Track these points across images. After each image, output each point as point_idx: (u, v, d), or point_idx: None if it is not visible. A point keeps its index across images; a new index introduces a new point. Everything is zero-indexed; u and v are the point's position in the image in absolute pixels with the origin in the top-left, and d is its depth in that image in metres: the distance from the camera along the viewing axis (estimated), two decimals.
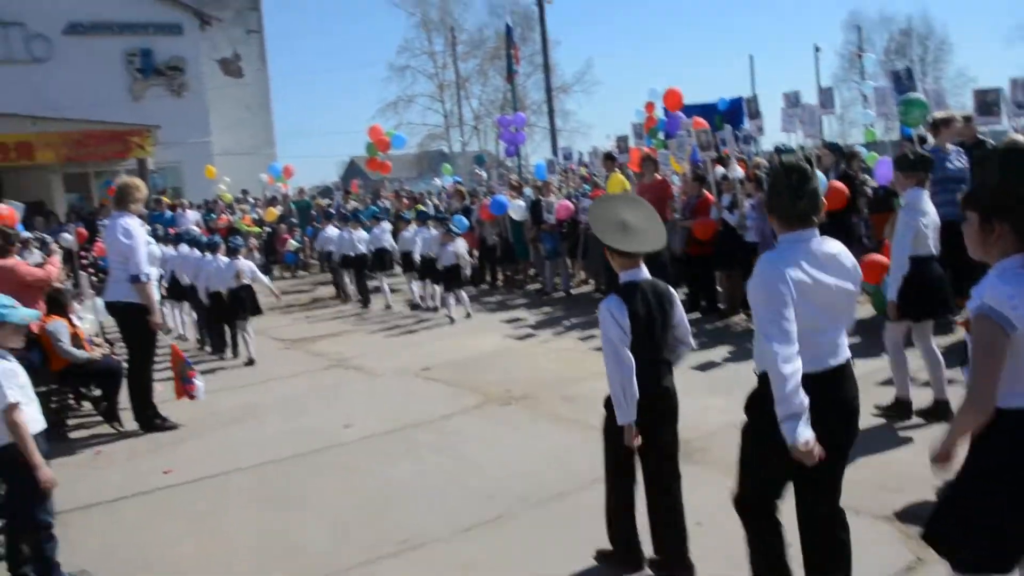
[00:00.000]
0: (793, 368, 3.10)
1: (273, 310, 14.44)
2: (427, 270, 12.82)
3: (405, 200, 18.74)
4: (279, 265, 20.30)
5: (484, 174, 20.78)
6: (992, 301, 2.68)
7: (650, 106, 15.33)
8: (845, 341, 3.41)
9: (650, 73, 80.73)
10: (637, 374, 3.92)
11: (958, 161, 8.21)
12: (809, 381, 3.14)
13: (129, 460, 6.81)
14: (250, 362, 10.23)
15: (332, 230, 15.03)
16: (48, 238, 13.61)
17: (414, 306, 13.59)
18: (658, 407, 4.05)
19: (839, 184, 9.49)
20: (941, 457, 2.85)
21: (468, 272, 13.53)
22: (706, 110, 16.18)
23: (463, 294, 12.28)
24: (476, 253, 15.37)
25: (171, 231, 13.59)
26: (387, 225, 14.71)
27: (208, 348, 11.28)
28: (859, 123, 18.52)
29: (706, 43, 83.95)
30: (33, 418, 4.42)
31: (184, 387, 7.60)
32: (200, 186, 24.98)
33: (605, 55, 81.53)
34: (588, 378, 7.45)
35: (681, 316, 4.20)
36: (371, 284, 14.49)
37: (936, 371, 6.10)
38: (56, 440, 6.79)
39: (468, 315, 12.18)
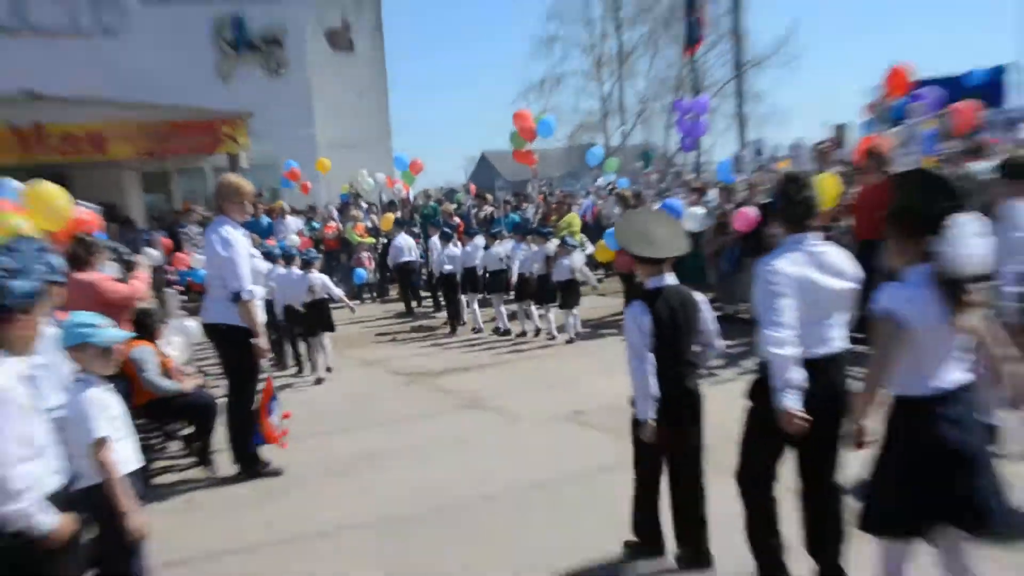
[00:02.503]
0: (786, 348, 4.40)
1: (387, 339, 15.07)
2: (525, 290, 14.56)
3: (554, 204, 19.09)
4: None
5: (655, 174, 20.90)
6: (892, 304, 3.84)
7: (894, 79, 15.05)
8: (839, 333, 4.66)
9: (875, 42, 78.82)
10: (661, 374, 5.20)
11: None
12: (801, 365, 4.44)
13: (226, 511, 7.30)
14: (318, 381, 12.06)
15: (404, 238, 17.95)
16: (125, 249, 14.56)
17: (498, 331, 15.08)
18: (681, 406, 5.32)
19: None
20: (856, 434, 4.07)
21: (596, 284, 15.20)
22: (950, 85, 15.59)
23: (575, 315, 13.66)
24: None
25: (268, 242, 14.46)
26: (480, 241, 15.70)
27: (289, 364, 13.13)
28: None
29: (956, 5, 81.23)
30: (126, 456, 4.82)
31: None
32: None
33: (813, 18, 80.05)
34: None
35: (707, 320, 5.47)
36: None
37: None
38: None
39: (571, 340, 13.44)
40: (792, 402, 4.37)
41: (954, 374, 3.93)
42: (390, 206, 22.41)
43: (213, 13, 28.96)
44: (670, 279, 5.38)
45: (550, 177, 23.86)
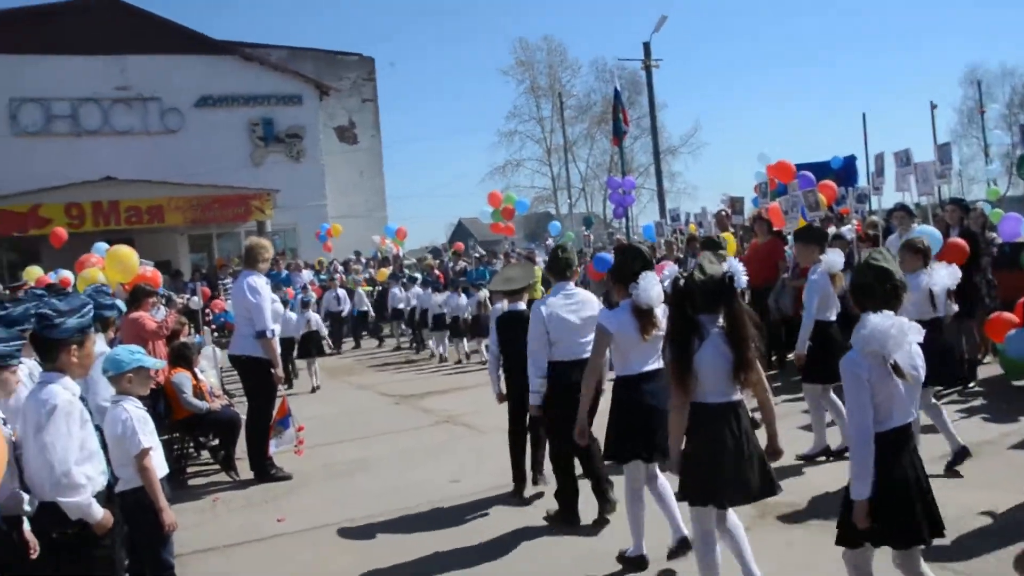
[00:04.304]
0: (536, 368, 5.83)
1: (375, 367, 14.80)
2: (457, 328, 14.98)
3: (513, 260, 18.96)
4: (390, 323, 20.64)
5: (592, 236, 20.95)
6: (604, 321, 4.91)
7: (771, 169, 15.24)
8: (587, 347, 5.43)
9: (759, 131, 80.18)
10: (512, 364, 6.46)
11: None
12: (559, 366, 5.76)
13: (244, 508, 7.00)
14: (314, 390, 12.84)
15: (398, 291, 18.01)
16: (173, 295, 14.31)
17: (442, 359, 15.34)
18: (524, 382, 6.06)
19: (958, 241, 9.08)
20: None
21: None
22: (819, 169, 15.95)
23: None
24: None
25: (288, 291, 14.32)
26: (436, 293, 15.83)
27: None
28: (979, 179, 17.94)
29: (817, 101, 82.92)
30: (159, 463, 4.58)
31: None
32: (315, 247, 25.88)
33: (712, 116, 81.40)
34: None
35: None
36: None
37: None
38: (176, 487, 7.04)
39: None
40: (535, 399, 5.89)
41: (649, 364, 4.90)
42: (384, 262, 22.26)
43: (249, 115, 29.30)
44: (521, 306, 6.55)
45: (512, 239, 23.86)
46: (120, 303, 8.31)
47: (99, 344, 5.17)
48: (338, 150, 32.52)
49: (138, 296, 8.08)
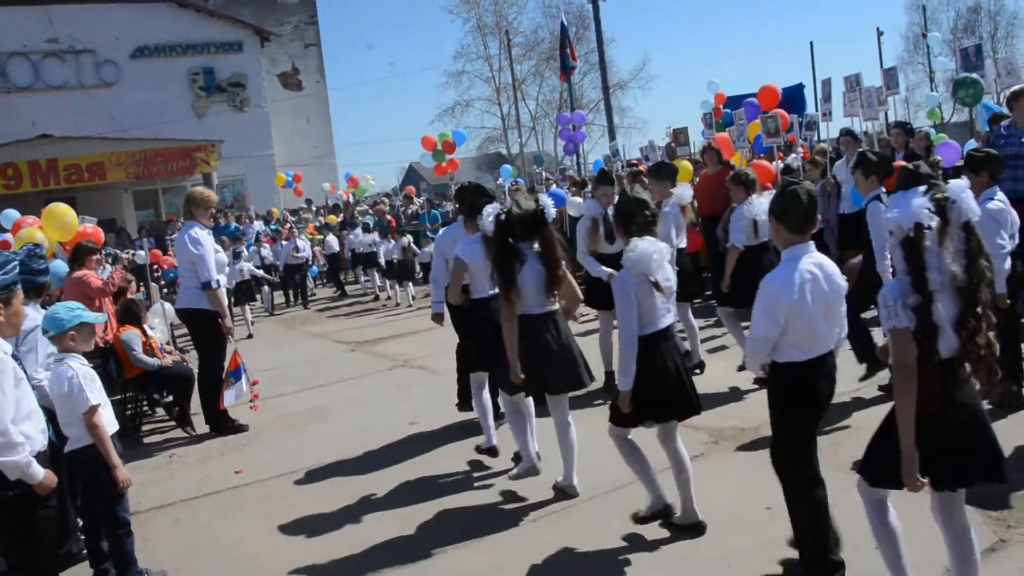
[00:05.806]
0: (436, 291, 6.42)
1: (333, 314, 14.74)
2: (389, 271, 15.68)
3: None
4: (343, 270, 20.52)
5: (544, 173, 20.87)
6: (460, 252, 5.58)
7: (719, 97, 15.18)
8: None
9: (707, 64, 79.95)
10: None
11: None
12: None
13: (201, 462, 6.98)
14: (250, 336, 13.39)
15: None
16: (120, 252, 14.09)
17: (375, 297, 16.47)
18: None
19: (903, 164, 9.19)
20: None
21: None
22: None
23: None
24: None
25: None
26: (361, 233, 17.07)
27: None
28: (925, 105, 18.07)
29: (765, 31, 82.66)
30: (109, 420, 4.51)
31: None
32: (264, 197, 25.50)
33: (661, 49, 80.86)
34: None
35: None
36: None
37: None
38: (132, 445, 7.06)
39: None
40: (438, 308, 6.50)
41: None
42: (334, 209, 22.05)
43: (188, 65, 28.58)
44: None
45: (463, 181, 23.61)
46: (61, 262, 8.18)
47: (34, 315, 4.97)
48: (282, 97, 31.89)
49: (80, 254, 7.90)
